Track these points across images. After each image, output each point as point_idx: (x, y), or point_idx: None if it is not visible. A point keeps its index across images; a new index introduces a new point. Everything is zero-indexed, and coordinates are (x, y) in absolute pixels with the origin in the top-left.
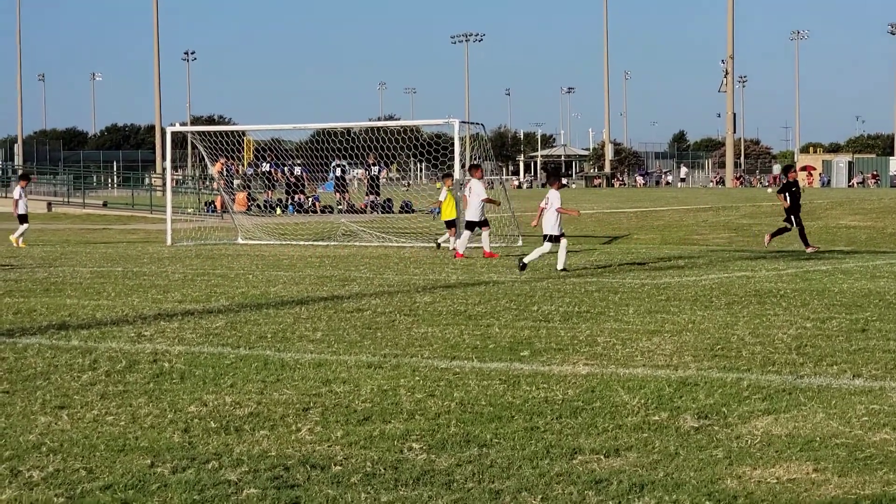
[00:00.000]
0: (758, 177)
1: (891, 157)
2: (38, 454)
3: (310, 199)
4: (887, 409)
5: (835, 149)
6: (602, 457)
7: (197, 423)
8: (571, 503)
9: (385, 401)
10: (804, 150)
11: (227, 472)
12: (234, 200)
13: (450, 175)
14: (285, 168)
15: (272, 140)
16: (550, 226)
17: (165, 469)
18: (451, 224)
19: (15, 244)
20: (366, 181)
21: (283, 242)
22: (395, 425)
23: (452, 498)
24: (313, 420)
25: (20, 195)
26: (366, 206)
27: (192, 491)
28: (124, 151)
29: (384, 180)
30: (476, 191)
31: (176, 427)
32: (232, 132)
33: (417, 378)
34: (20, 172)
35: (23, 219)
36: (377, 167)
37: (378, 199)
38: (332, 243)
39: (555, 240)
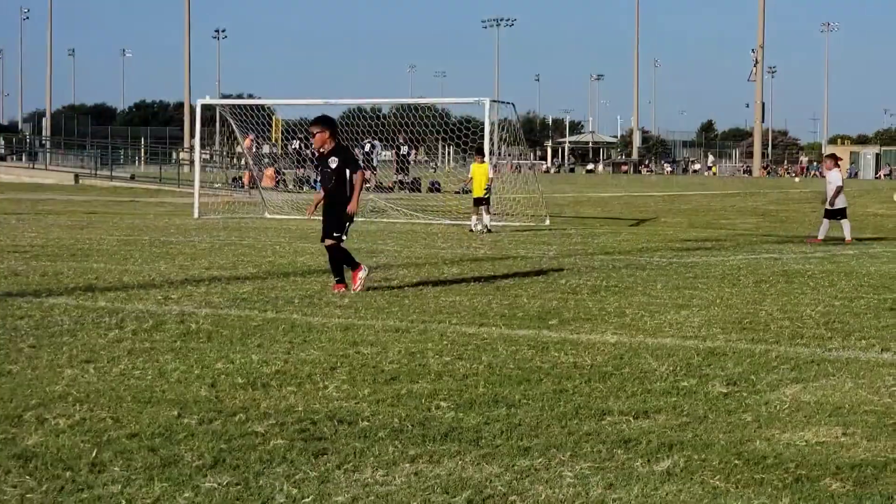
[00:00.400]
0: (785, 167)
1: None
2: (64, 403)
3: None
4: None
5: (863, 141)
6: (631, 418)
7: (224, 378)
8: (600, 460)
9: (413, 362)
10: (832, 141)
11: (254, 425)
12: (262, 176)
13: (481, 152)
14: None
15: (301, 119)
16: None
17: (192, 420)
18: (480, 201)
19: None
20: (395, 161)
21: (311, 217)
22: (423, 385)
23: (481, 453)
24: (340, 378)
25: None
26: (394, 185)
27: (218, 440)
28: (152, 128)
29: (413, 161)
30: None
31: (203, 382)
32: (262, 107)
33: (445, 342)
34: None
35: None
36: (406, 147)
37: (407, 177)
38: (360, 219)
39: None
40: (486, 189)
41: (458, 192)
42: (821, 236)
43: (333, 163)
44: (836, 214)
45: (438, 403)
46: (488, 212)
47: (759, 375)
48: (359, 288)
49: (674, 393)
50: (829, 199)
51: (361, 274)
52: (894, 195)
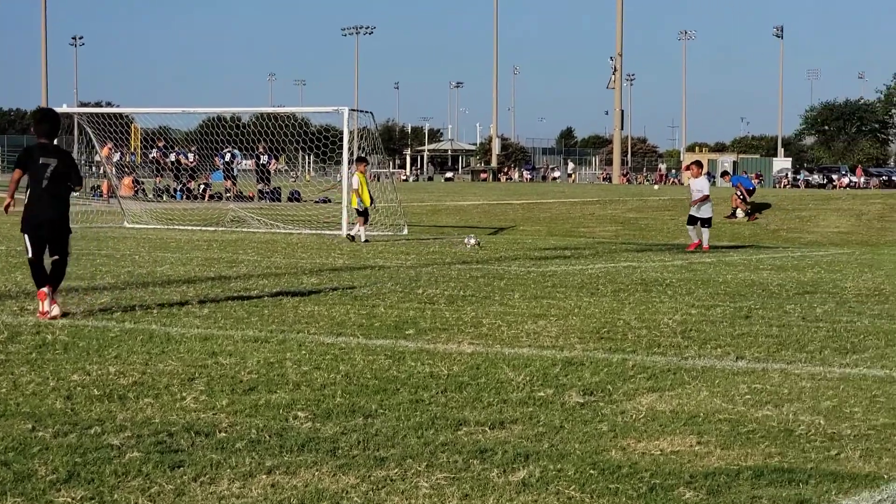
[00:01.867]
0: (644, 174)
1: (774, 158)
2: None
3: (200, 186)
4: (769, 388)
5: (720, 149)
6: (487, 428)
7: (80, 390)
8: (456, 471)
9: (271, 372)
10: (690, 149)
11: (110, 437)
12: (120, 185)
13: (363, 160)
14: (173, 155)
15: (160, 128)
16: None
17: (47, 433)
18: (365, 211)
19: None
20: (255, 170)
21: (171, 227)
22: (281, 395)
23: (337, 464)
24: (198, 389)
25: None
26: (253, 195)
27: (73, 454)
28: (9, 136)
29: (273, 171)
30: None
31: (58, 394)
32: (120, 115)
33: (303, 352)
34: None
35: None
36: (266, 156)
37: (267, 187)
38: (220, 228)
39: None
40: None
41: (320, 202)
42: (696, 240)
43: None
44: (699, 221)
45: (296, 414)
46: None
47: (616, 385)
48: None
49: (530, 403)
50: (697, 206)
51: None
52: None
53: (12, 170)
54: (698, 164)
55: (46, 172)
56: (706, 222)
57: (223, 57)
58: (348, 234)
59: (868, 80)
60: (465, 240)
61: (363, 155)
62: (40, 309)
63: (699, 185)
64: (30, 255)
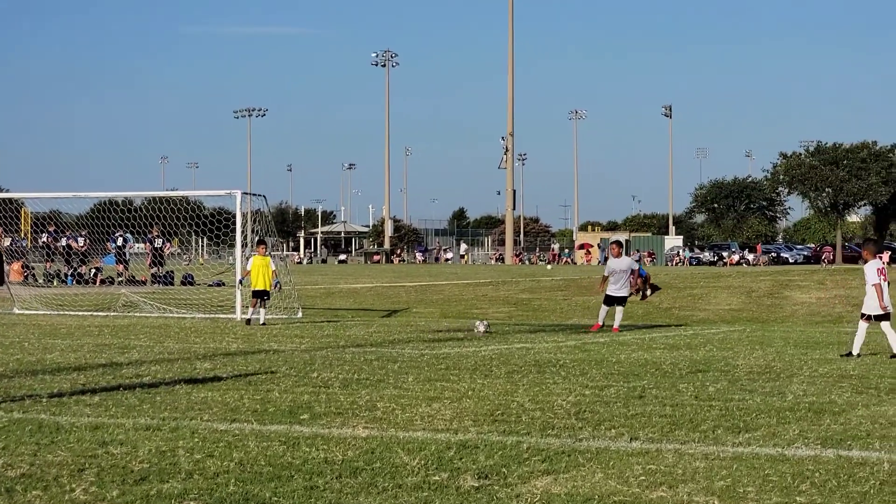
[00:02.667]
0: (537, 254)
1: (666, 236)
2: None
3: (91, 271)
4: (663, 468)
5: (612, 227)
6: None
7: None
8: None
9: (163, 461)
10: (583, 228)
11: None
12: (9, 271)
13: (263, 242)
14: (64, 239)
15: (51, 212)
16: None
17: None
18: (261, 293)
19: None
20: (149, 253)
21: (62, 312)
22: (173, 485)
23: None
24: (88, 480)
25: None
26: (146, 279)
27: None
28: None
29: (167, 254)
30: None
31: None
32: (9, 200)
33: (196, 439)
34: None
35: None
36: (161, 240)
37: (161, 271)
38: (112, 314)
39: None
40: (274, 284)
41: (214, 285)
42: (600, 322)
43: None
44: (617, 301)
45: (189, 503)
46: (264, 305)
47: (511, 468)
48: None
49: (425, 487)
50: (619, 286)
51: None
52: None
53: None
54: (618, 243)
55: None
56: (622, 301)
57: (115, 140)
58: (247, 320)
59: (755, 159)
60: (475, 325)
61: (262, 237)
62: None
63: (622, 265)
64: None
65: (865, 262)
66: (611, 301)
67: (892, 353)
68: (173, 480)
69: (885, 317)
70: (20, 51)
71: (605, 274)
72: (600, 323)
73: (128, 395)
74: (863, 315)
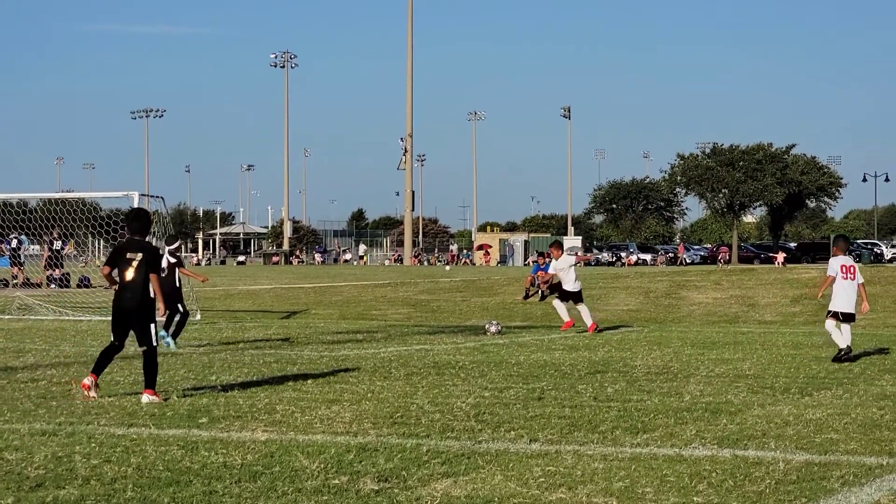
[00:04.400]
0: (436, 255)
1: (565, 237)
2: None
3: None
4: (563, 470)
5: (511, 228)
6: None
7: None
8: None
9: (59, 467)
10: (482, 228)
11: None
12: None
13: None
14: None
15: None
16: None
17: None
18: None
19: None
20: (45, 255)
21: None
22: (70, 491)
23: None
24: None
25: None
26: (41, 282)
27: None
28: None
29: (64, 256)
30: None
31: None
32: None
33: (93, 445)
34: None
35: None
36: (60, 241)
37: (58, 272)
38: (7, 317)
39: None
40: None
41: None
42: (570, 320)
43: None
44: (571, 297)
45: None
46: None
47: (411, 471)
48: None
49: (325, 491)
50: (570, 282)
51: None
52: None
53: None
54: (558, 244)
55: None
56: (579, 297)
57: (7, 140)
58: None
59: (653, 160)
60: (487, 326)
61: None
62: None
63: (562, 264)
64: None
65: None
66: (566, 296)
67: (840, 355)
68: (70, 486)
69: (851, 317)
70: None
71: (552, 272)
72: (570, 320)
73: (23, 399)
74: (829, 313)
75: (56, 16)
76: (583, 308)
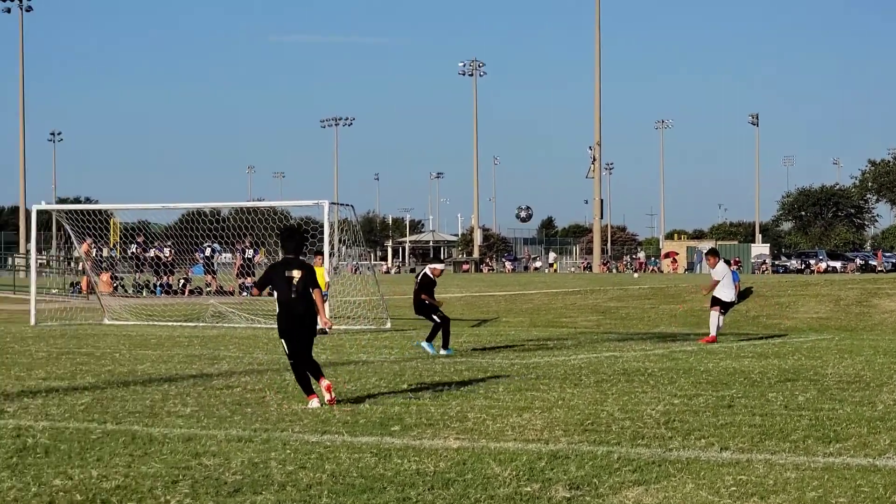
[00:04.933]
0: (624, 262)
1: (752, 244)
2: None
3: (179, 281)
4: (754, 479)
5: (698, 235)
6: None
7: (62, 496)
8: None
9: (256, 473)
10: (669, 236)
11: None
12: (99, 281)
13: (320, 253)
14: (153, 250)
15: (140, 222)
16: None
17: None
18: None
19: None
20: (237, 264)
21: (151, 323)
22: (266, 496)
23: None
24: (182, 492)
25: None
26: (233, 289)
27: None
28: None
29: (256, 264)
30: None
31: (40, 500)
32: (98, 211)
33: (288, 451)
34: None
35: None
36: (252, 250)
37: (250, 280)
38: (201, 324)
39: None
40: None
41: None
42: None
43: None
44: (725, 306)
45: None
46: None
47: (602, 478)
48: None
49: (517, 498)
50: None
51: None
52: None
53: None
54: (713, 252)
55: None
56: (730, 307)
57: (201, 150)
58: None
59: (843, 167)
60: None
61: (319, 248)
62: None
63: (719, 273)
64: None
65: None
66: (724, 305)
67: None
68: (266, 492)
69: None
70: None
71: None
72: (714, 334)
73: (219, 406)
74: None
75: (249, 27)
76: (718, 316)
